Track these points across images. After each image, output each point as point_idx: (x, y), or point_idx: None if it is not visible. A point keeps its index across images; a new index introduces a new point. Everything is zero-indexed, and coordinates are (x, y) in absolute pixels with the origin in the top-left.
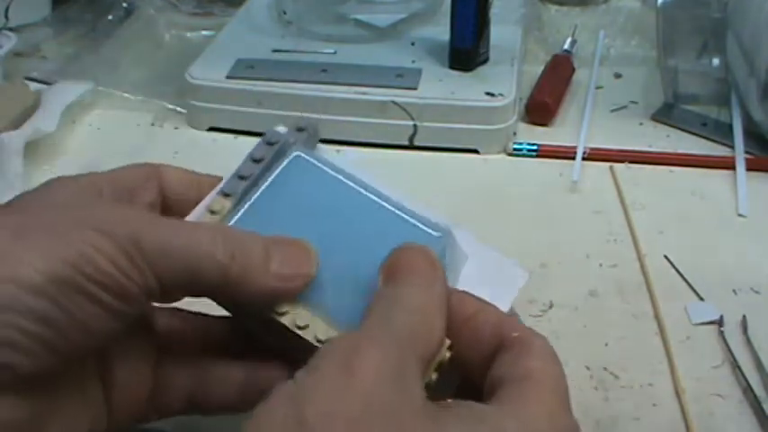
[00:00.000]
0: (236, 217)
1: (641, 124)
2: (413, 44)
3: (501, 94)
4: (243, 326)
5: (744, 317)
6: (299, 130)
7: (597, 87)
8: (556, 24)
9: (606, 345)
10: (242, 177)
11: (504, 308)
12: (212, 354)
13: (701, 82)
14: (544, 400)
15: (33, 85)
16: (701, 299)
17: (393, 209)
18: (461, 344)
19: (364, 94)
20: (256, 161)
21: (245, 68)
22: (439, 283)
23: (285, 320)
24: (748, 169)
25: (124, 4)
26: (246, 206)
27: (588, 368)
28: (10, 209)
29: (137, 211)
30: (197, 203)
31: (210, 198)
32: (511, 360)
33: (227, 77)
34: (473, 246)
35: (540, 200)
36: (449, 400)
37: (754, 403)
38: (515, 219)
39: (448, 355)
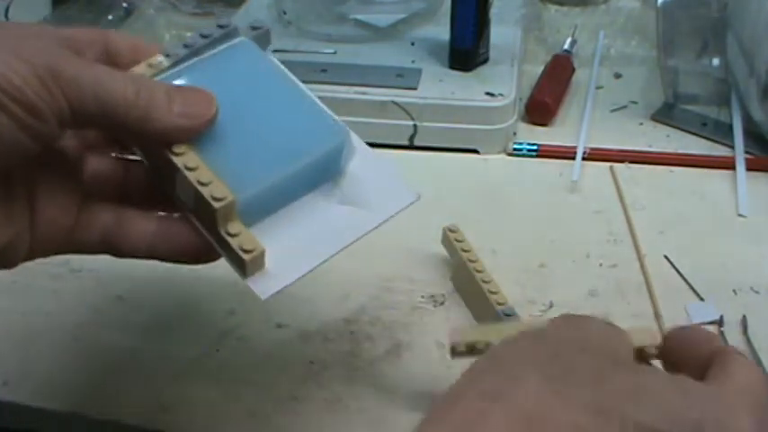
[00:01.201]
0: (164, 75)
1: (641, 124)
2: (413, 44)
3: (501, 94)
4: (155, 177)
5: (744, 317)
6: (253, 28)
7: (597, 87)
8: (556, 24)
9: None
10: (186, 46)
11: (381, 218)
12: (131, 201)
13: (701, 82)
14: (749, 375)
15: None
16: (701, 299)
17: (312, 99)
18: (678, 353)
19: (364, 94)
20: (204, 36)
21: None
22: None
23: (177, 160)
24: (748, 169)
25: (124, 4)
26: (178, 68)
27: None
28: None
29: (59, 47)
30: None
31: (153, 58)
32: (722, 363)
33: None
34: (368, 152)
35: (540, 200)
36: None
37: None
38: (515, 219)
39: (654, 351)
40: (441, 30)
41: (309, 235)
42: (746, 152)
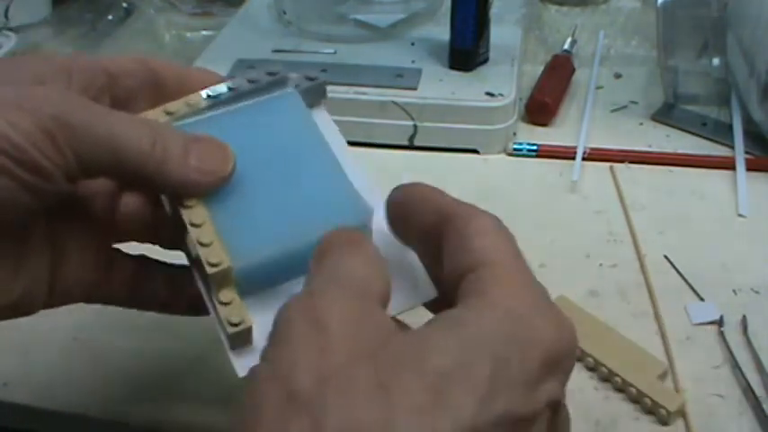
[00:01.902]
0: (197, 118)
1: (641, 124)
2: (413, 44)
3: (501, 94)
4: (172, 222)
5: (744, 317)
6: (309, 78)
7: (597, 87)
8: (556, 24)
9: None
10: (230, 89)
11: (392, 312)
12: (160, 243)
13: (701, 82)
14: (507, 287)
15: None
16: (701, 299)
17: (342, 173)
18: (417, 241)
19: (364, 94)
20: (250, 82)
21: (245, 68)
22: (366, 241)
23: (184, 213)
24: (748, 169)
25: (124, 4)
26: (213, 113)
27: (589, 368)
28: None
29: (69, 93)
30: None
31: (194, 96)
32: (458, 245)
33: (228, 78)
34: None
35: (540, 200)
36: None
37: (754, 403)
38: (515, 219)
39: None
40: (441, 30)
41: None
42: (746, 152)
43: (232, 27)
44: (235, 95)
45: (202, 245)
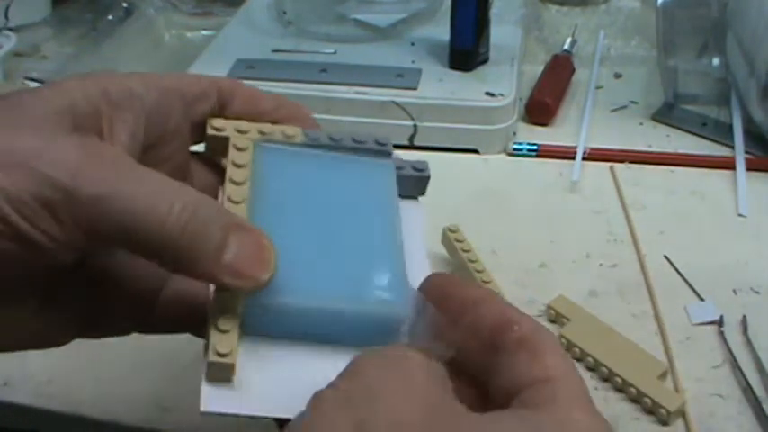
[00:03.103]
0: (279, 146)
1: (641, 124)
2: (413, 44)
3: (501, 94)
4: None
5: (744, 317)
6: (416, 169)
7: (597, 87)
8: (556, 24)
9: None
10: (332, 138)
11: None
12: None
13: (701, 82)
14: (578, 402)
15: (33, 85)
16: (701, 299)
17: (401, 261)
18: (460, 329)
19: (364, 94)
20: (355, 141)
21: (245, 68)
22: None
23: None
24: (748, 169)
25: (124, 4)
26: (300, 149)
27: (589, 368)
28: None
29: (95, 147)
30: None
31: (292, 129)
32: (524, 359)
33: (227, 78)
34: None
35: (540, 200)
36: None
37: (754, 403)
38: (515, 219)
39: None
40: (441, 30)
41: (300, 386)
42: (746, 152)
43: (232, 27)
44: (333, 145)
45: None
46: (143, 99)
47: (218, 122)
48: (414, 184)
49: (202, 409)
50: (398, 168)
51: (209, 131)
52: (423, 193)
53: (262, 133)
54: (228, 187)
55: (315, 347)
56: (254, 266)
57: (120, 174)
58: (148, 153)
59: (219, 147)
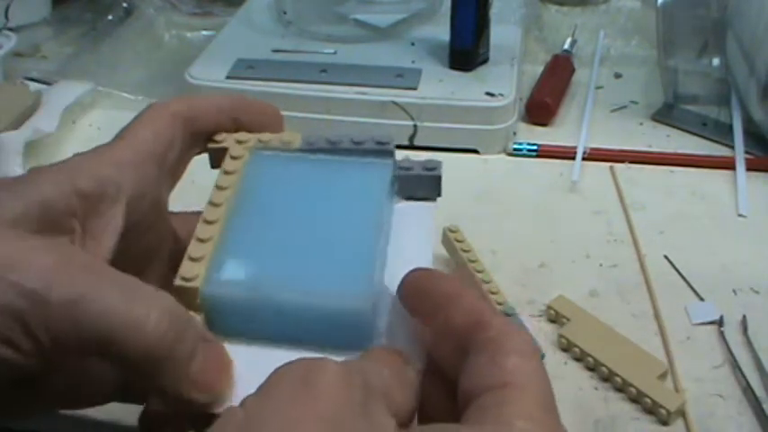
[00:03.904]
0: (271, 153)
1: (641, 124)
2: (413, 44)
3: (501, 94)
4: None
5: (744, 317)
6: (427, 168)
7: (597, 87)
8: (556, 24)
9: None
10: (330, 141)
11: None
12: None
13: (701, 82)
14: (528, 411)
15: (33, 85)
16: (701, 299)
17: (372, 255)
18: (434, 328)
19: (364, 94)
20: (354, 142)
21: (245, 68)
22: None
23: (200, 225)
24: (748, 169)
25: (124, 4)
26: (296, 154)
27: (589, 368)
28: None
29: (63, 251)
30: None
31: (290, 134)
32: (485, 362)
33: (227, 77)
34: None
35: (540, 200)
36: (421, 426)
37: (755, 403)
38: (515, 219)
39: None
40: (441, 30)
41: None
42: (746, 152)
43: (232, 27)
44: (332, 148)
45: (191, 258)
46: (118, 185)
47: (219, 136)
48: (425, 184)
49: None
50: (407, 169)
51: (209, 144)
52: (439, 194)
53: (261, 142)
54: (212, 193)
55: (283, 348)
56: (217, 381)
57: (93, 277)
58: (137, 224)
59: (220, 156)
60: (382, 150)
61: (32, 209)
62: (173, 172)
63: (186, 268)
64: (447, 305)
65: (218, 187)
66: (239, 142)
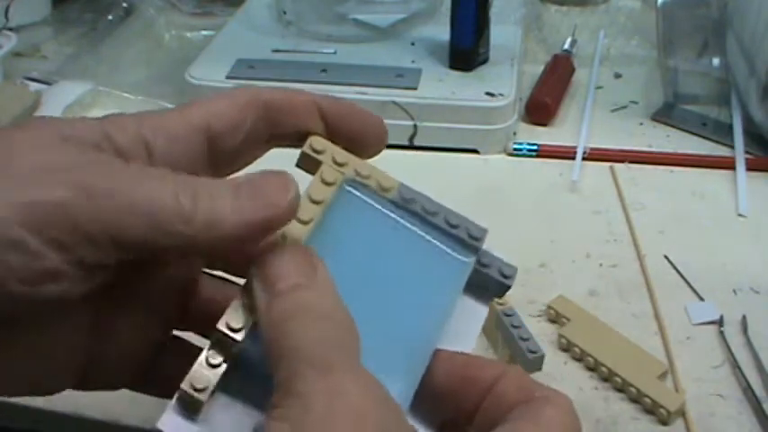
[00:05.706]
0: (360, 193)
1: (641, 124)
2: (413, 44)
3: (501, 94)
4: None
5: (744, 317)
6: (503, 275)
7: (597, 87)
8: (556, 24)
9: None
10: (427, 211)
11: (470, 346)
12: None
13: (701, 82)
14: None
15: (33, 85)
16: (701, 299)
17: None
18: (485, 414)
19: (364, 94)
20: (449, 223)
21: (245, 68)
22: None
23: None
24: (748, 169)
25: (124, 4)
26: (380, 204)
27: (589, 368)
28: None
29: (82, 155)
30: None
31: (390, 180)
32: (527, 408)
33: (228, 77)
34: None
35: (540, 200)
36: None
37: (755, 403)
38: (515, 219)
39: None
40: (441, 30)
41: None
42: (746, 152)
43: (232, 27)
44: (422, 217)
45: (243, 306)
46: (150, 146)
47: (318, 143)
48: (493, 289)
49: (158, 425)
50: (484, 265)
51: (305, 149)
52: (499, 297)
53: (357, 173)
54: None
55: None
56: (271, 194)
57: (129, 168)
58: None
59: (311, 165)
60: (470, 245)
61: (67, 137)
62: (234, 156)
63: (233, 316)
64: (496, 384)
65: (300, 221)
66: (336, 164)
